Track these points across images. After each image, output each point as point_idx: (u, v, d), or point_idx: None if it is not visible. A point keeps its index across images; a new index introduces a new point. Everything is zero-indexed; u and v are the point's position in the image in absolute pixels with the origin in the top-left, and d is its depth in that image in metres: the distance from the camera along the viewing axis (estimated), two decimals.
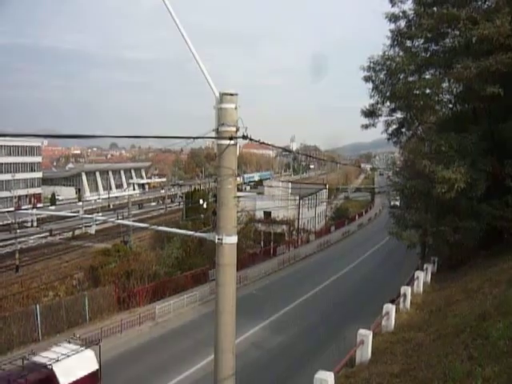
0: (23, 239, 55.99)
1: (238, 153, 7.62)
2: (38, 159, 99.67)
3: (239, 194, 41.50)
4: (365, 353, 12.58)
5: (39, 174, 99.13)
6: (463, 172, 19.73)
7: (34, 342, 22.76)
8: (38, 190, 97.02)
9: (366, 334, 12.63)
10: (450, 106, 27.48)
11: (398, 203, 69.77)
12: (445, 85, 24.51)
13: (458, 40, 21.42)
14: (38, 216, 66.87)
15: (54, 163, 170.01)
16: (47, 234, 61.51)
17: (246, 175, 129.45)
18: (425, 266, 24.10)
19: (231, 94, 7.33)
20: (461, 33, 21.02)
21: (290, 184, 63.54)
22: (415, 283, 20.75)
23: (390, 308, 15.47)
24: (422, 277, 21.37)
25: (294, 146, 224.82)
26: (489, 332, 9.79)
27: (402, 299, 17.98)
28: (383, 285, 31.40)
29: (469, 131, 22.38)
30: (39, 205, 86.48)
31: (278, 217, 54.31)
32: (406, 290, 18.23)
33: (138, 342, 23.12)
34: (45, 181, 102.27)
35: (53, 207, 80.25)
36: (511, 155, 21.17)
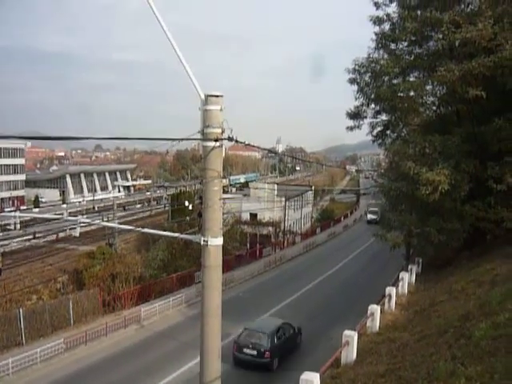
0: (6, 242, 55.22)
1: (223, 154, 7.63)
2: (22, 161, 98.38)
3: (225, 195, 41.42)
4: (350, 353, 12.67)
5: (22, 177, 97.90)
6: (447, 174, 19.96)
7: (18, 346, 22.48)
8: (21, 193, 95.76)
9: (351, 335, 12.72)
10: (434, 108, 27.81)
11: (375, 216, 66.83)
12: (429, 87, 24.82)
13: (442, 43, 21.68)
14: (22, 219, 66.08)
15: (38, 165, 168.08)
16: (31, 236, 60.76)
17: (231, 177, 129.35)
18: (409, 267, 24.31)
19: (216, 96, 7.34)
20: (444, 36, 21.28)
21: (275, 186, 63.59)
22: (400, 284, 20.93)
23: (375, 309, 15.59)
24: (407, 277, 21.57)
25: (280, 148, 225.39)
26: (472, 332, 9.91)
27: (386, 300, 18.12)
28: (368, 286, 31.60)
29: (452, 133, 22.66)
30: (22, 207, 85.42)
31: (264, 218, 54.33)
32: (391, 290, 18.39)
33: (123, 345, 22.93)
34: (28, 183, 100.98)
35: (36, 210, 79.30)
36: (494, 157, 21.49)
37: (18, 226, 66.17)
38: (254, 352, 18.90)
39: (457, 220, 22.19)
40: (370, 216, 73.38)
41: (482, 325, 9.94)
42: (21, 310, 23.55)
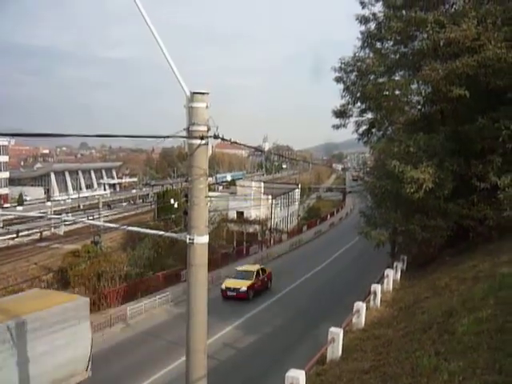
0: None
1: (210, 152, 7.61)
2: (5, 159, 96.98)
3: (211, 193, 41.40)
4: (336, 350, 12.74)
5: (6, 174, 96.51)
6: (431, 172, 20.17)
7: None
8: (4, 191, 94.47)
9: (336, 332, 12.78)
10: (419, 107, 28.04)
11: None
12: (414, 86, 25.03)
13: (426, 43, 21.88)
14: (5, 217, 65.23)
15: (22, 163, 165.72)
16: (14, 235, 59.94)
17: (218, 175, 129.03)
18: (394, 264, 24.51)
19: (202, 93, 7.31)
20: (429, 36, 21.50)
21: (262, 184, 63.69)
22: (385, 281, 21.09)
23: (360, 306, 15.70)
24: (392, 275, 21.74)
25: (267, 146, 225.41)
26: (455, 328, 10.05)
27: (372, 297, 18.24)
28: (354, 283, 31.80)
29: (437, 132, 22.89)
30: (6, 205, 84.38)
31: (251, 216, 54.41)
32: (376, 287, 18.52)
33: (109, 344, 22.77)
34: (12, 181, 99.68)
35: (20, 208, 78.38)
36: (477, 155, 21.75)
37: (1, 224, 65.25)
38: None
39: (440, 218, 22.42)
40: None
41: (464, 320, 10.09)
42: None
